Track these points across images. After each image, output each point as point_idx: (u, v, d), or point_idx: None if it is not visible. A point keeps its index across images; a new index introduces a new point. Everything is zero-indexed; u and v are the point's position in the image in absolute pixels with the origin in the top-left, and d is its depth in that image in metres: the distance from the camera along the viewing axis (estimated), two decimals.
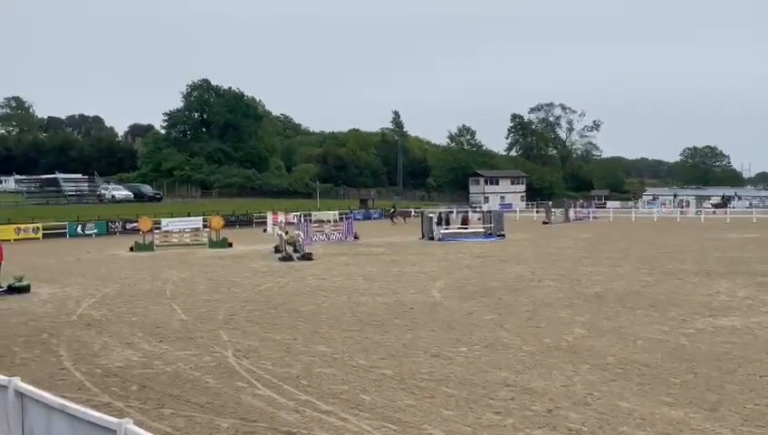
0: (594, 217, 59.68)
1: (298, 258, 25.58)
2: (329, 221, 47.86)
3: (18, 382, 5.29)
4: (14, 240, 37.70)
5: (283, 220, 43.43)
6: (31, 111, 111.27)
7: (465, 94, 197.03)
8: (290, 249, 26.65)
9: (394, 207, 60.02)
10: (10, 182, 75.86)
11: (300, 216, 48.46)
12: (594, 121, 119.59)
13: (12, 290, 17.53)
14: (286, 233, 28.27)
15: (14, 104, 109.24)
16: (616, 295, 15.89)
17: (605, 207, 73.35)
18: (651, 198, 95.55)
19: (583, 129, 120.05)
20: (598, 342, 11.14)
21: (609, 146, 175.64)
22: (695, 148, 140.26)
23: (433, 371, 9.47)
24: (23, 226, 41.90)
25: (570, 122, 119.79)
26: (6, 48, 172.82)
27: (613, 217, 58.81)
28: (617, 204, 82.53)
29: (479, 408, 7.85)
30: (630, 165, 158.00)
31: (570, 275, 19.70)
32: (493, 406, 7.91)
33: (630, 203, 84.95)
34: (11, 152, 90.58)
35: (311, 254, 26.15)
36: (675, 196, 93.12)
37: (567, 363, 9.77)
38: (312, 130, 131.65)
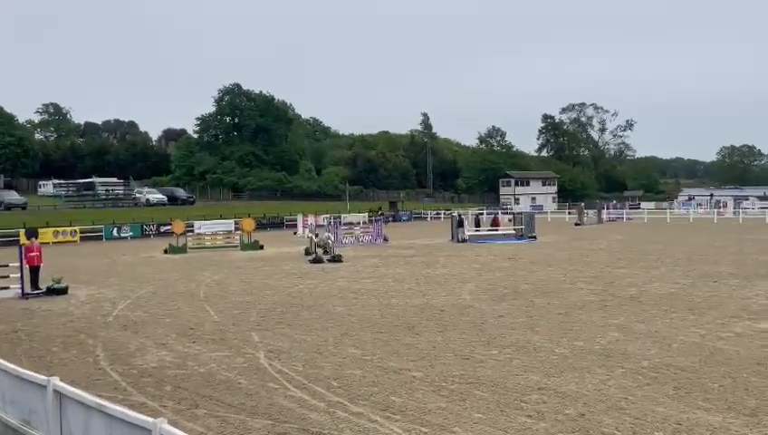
0: (628, 219, 58.70)
1: (328, 260, 25.72)
2: (358, 223, 48.06)
3: (57, 382, 5.43)
4: (53, 243, 38.71)
5: (314, 223, 43.74)
6: (68, 116, 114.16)
7: (495, 95, 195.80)
8: (320, 251, 26.81)
9: (380, 209, 59.28)
10: (49, 186, 77.85)
11: (330, 218, 48.80)
12: (627, 121, 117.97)
13: (51, 292, 17.99)
14: (316, 235, 28.44)
15: (52, 110, 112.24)
16: (651, 298, 15.59)
17: (639, 208, 72.15)
18: (687, 198, 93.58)
19: (616, 128, 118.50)
20: (632, 345, 10.94)
21: (643, 146, 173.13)
22: (732, 147, 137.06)
23: (464, 373, 9.41)
24: (61, 229, 42.99)
25: (602, 122, 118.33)
26: (45, 55, 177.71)
27: (647, 219, 57.75)
28: (651, 205, 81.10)
29: (511, 411, 7.77)
30: (665, 165, 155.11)
31: (603, 278, 19.40)
32: (524, 410, 7.83)
33: (665, 204, 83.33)
34: (50, 157, 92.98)
35: (341, 256, 26.26)
36: (711, 196, 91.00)
37: (600, 367, 9.62)
38: (341, 133, 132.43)
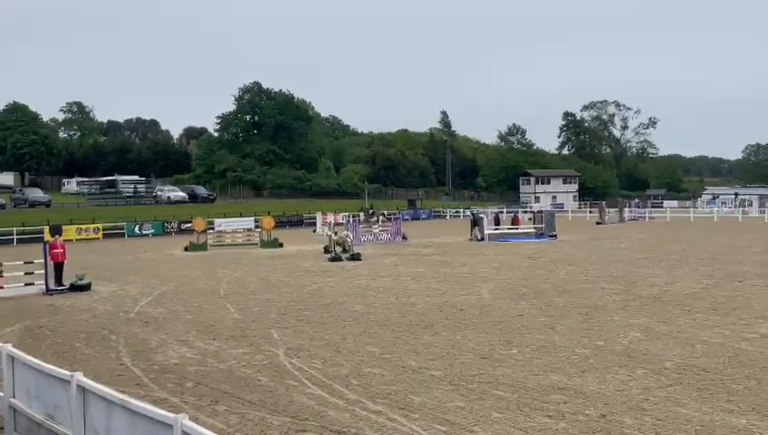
0: (650, 218, 57.98)
1: (347, 259, 25.77)
2: (377, 221, 48.04)
3: (80, 377, 5.50)
4: (76, 240, 39.30)
5: (332, 221, 43.86)
6: (91, 115, 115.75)
7: (515, 93, 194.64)
8: (339, 250, 26.87)
9: (371, 207, 58.62)
10: (72, 184, 79.04)
11: (348, 216, 48.87)
12: (650, 119, 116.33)
13: (74, 288, 18.27)
14: (335, 233, 28.52)
15: (75, 109, 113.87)
16: (674, 298, 15.38)
17: (661, 207, 71.21)
18: (711, 197, 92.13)
19: (639, 126, 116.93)
20: (654, 345, 10.80)
21: (666, 144, 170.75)
22: (758, 145, 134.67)
23: (483, 373, 9.37)
24: (84, 226, 43.64)
25: (624, 120, 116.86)
26: (67, 55, 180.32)
27: (670, 218, 57.01)
28: (674, 203, 80.00)
29: (530, 411, 7.72)
30: (689, 163, 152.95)
31: (624, 277, 19.19)
32: (544, 410, 7.77)
33: (689, 202, 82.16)
34: (73, 155, 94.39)
35: (359, 254, 26.30)
36: (736, 195, 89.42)
37: (622, 367, 9.51)
38: (360, 131, 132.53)
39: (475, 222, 37.33)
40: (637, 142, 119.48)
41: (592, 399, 8.11)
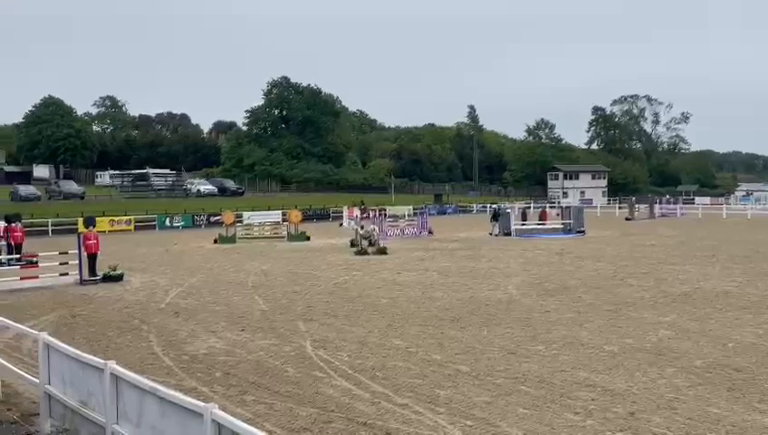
0: (682, 214, 56.91)
1: (373, 253, 25.84)
2: (403, 216, 48.04)
3: (114, 366, 5.64)
4: (109, 232, 40.05)
5: (358, 215, 43.97)
6: (124, 109, 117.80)
7: (543, 87, 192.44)
8: (365, 243, 26.95)
9: (362, 202, 57.67)
10: (105, 177, 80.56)
11: (375, 210, 48.94)
12: (682, 113, 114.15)
13: (107, 278, 18.66)
14: (362, 228, 28.59)
15: (108, 103, 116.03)
16: (705, 296, 15.11)
17: (693, 203, 69.85)
18: (744, 193, 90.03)
19: (670, 121, 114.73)
20: (685, 344, 10.64)
21: (699, 139, 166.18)
22: None
23: (509, 368, 9.34)
24: (116, 218, 44.45)
25: (656, 115, 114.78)
26: (101, 50, 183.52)
27: (702, 214, 55.88)
28: (706, 200, 78.39)
29: (557, 408, 7.68)
30: (722, 159, 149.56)
31: (654, 274, 18.90)
32: (571, 406, 7.73)
33: (721, 199, 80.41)
34: (106, 149, 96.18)
35: (385, 248, 26.34)
36: None
37: (651, 365, 9.40)
38: (387, 126, 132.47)
39: (495, 216, 37.02)
40: (668, 138, 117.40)
41: (620, 396, 8.04)
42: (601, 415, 7.42)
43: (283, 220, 40.05)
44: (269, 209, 52.44)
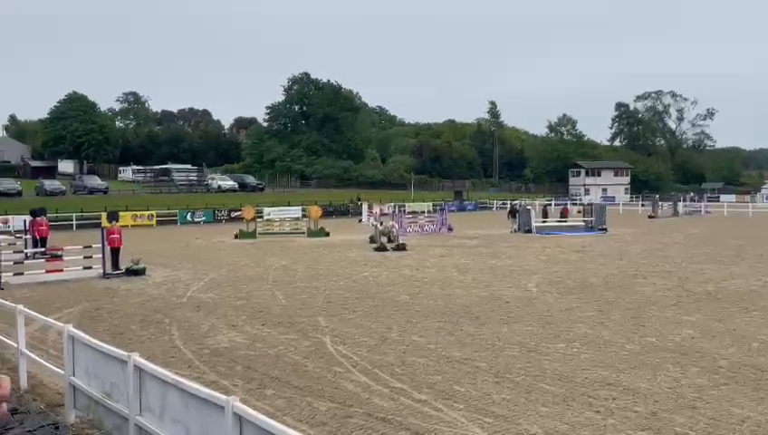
0: (706, 212, 56.05)
1: (392, 249, 25.84)
2: (422, 212, 47.98)
3: (137, 358, 5.71)
4: (131, 226, 40.58)
5: (378, 211, 43.98)
6: (146, 105, 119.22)
7: (565, 83, 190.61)
8: (384, 240, 26.96)
9: (359, 198, 57.24)
10: (128, 172, 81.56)
11: (394, 206, 48.95)
12: (708, 110, 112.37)
13: (130, 272, 18.90)
14: (381, 223, 28.61)
15: (131, 99, 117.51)
16: (729, 295, 14.87)
17: (718, 201, 68.74)
18: None
19: (695, 117, 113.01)
20: (708, 343, 10.49)
21: (725, 136, 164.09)
22: None
23: (529, 366, 9.29)
24: (139, 213, 45.02)
25: (680, 111, 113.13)
26: (125, 47, 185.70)
27: (727, 212, 54.99)
28: (732, 198, 77.14)
29: (578, 406, 7.62)
30: (748, 156, 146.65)
31: (678, 273, 18.65)
32: (592, 405, 7.66)
33: (747, 197, 79.00)
34: (129, 144, 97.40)
35: (404, 245, 26.33)
36: None
37: (674, 365, 9.28)
38: (407, 122, 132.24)
39: (513, 213, 36.78)
40: (693, 134, 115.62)
41: (642, 396, 7.95)
42: (623, 414, 7.34)
43: (303, 216, 40.25)
44: (289, 205, 52.73)
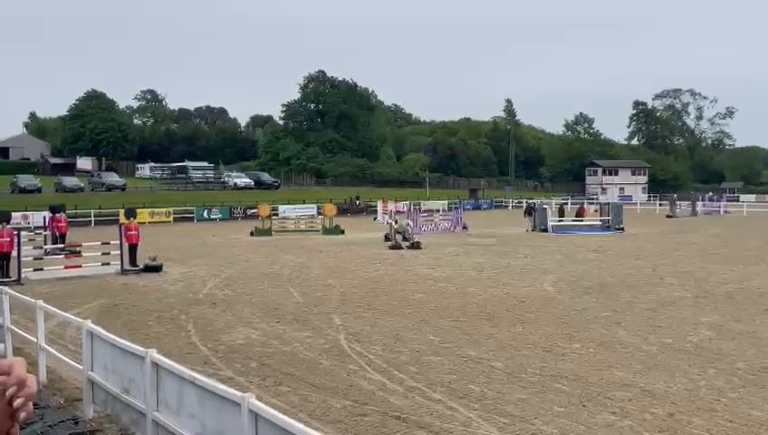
0: (725, 212, 55.36)
1: (407, 247, 25.83)
2: (438, 211, 47.89)
3: (154, 354, 5.77)
4: (149, 223, 40.96)
5: (393, 209, 43.99)
6: (164, 102, 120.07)
7: (582, 81, 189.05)
8: (399, 238, 26.95)
9: (358, 197, 56.56)
10: (146, 169, 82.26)
11: (409, 204, 48.91)
12: (727, 108, 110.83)
13: (147, 269, 19.09)
14: (396, 222, 28.60)
15: (149, 97, 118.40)
16: (749, 296, 14.68)
17: (738, 201, 67.88)
18: None
19: (715, 116, 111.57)
20: (727, 345, 10.37)
21: (745, 135, 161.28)
22: None
23: (545, 366, 9.24)
24: (156, 210, 45.43)
25: (699, 109, 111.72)
26: (142, 45, 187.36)
27: (747, 212, 54.27)
28: (752, 197, 76.16)
29: (594, 407, 7.57)
30: None
31: (695, 273, 18.44)
32: (608, 406, 7.61)
33: (767, 197, 77.90)
34: (146, 141, 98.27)
35: (419, 243, 26.31)
36: None
37: (691, 366, 9.18)
38: (422, 120, 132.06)
39: (529, 212, 36.58)
40: (712, 133, 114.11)
41: (659, 397, 7.88)
42: (639, 416, 7.28)
43: (318, 214, 40.37)
44: (304, 203, 52.85)
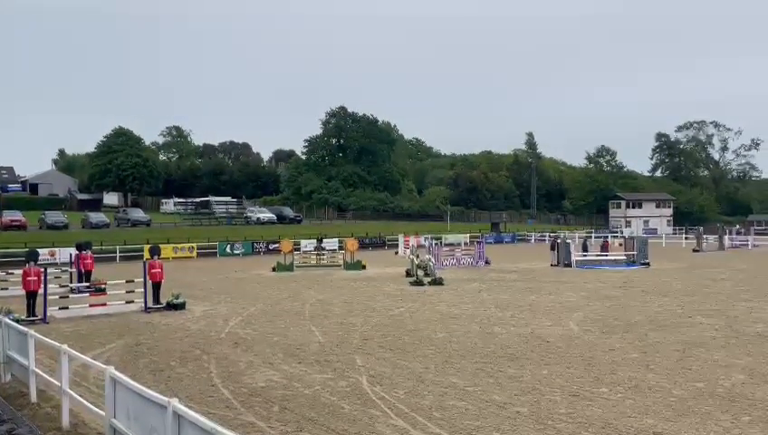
0: (754, 246, 54.25)
1: (429, 283, 25.67)
2: (459, 245, 47.67)
3: (176, 404, 5.74)
4: (172, 258, 41.34)
5: (414, 243, 43.89)
6: (189, 138, 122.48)
7: (604, 113, 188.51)
8: (420, 273, 26.81)
9: (323, 237, 52.81)
10: (170, 204, 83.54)
11: (430, 238, 48.76)
12: (753, 140, 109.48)
13: (170, 306, 19.19)
14: (417, 257, 28.50)
15: (174, 133, 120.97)
16: None
17: (766, 235, 66.49)
18: None
19: (740, 148, 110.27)
20: (761, 389, 10.03)
21: None
22: None
23: (572, 412, 9.01)
24: (180, 245, 45.88)
25: (724, 141, 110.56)
26: (168, 82, 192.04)
27: None
28: None
29: None
30: None
31: (726, 312, 18.00)
32: None
33: None
34: (171, 177, 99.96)
35: (441, 279, 26.13)
36: None
37: (724, 413, 8.89)
38: (443, 153, 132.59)
39: (554, 246, 36.18)
40: (737, 165, 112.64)
41: None
42: None
43: (340, 249, 40.39)
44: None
